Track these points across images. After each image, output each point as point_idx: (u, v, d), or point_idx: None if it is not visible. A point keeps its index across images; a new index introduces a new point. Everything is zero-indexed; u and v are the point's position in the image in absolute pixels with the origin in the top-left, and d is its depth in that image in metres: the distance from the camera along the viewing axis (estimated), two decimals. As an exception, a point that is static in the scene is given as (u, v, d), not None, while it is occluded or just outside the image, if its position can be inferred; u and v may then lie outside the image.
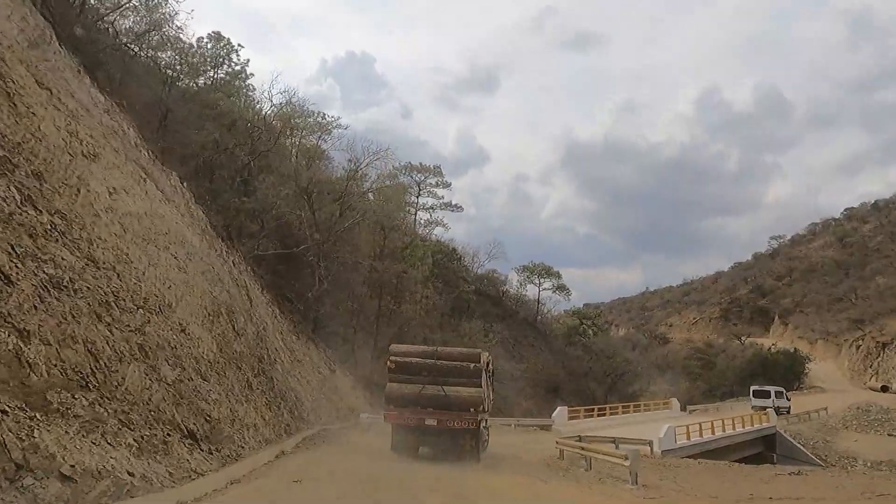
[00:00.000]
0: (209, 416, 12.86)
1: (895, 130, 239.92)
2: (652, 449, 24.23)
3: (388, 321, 34.81)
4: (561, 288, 74.00)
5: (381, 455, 16.77)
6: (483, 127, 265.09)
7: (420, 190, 67.40)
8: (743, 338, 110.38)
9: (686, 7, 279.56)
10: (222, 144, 27.93)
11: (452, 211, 71.27)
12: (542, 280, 74.01)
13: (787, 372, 69.08)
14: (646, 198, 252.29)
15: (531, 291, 74.23)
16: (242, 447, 13.98)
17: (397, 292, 35.17)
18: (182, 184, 21.44)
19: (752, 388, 48.39)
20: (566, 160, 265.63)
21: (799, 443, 34.47)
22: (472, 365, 17.77)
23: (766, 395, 45.40)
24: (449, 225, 65.42)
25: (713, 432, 28.96)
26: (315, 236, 29.49)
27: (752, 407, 42.39)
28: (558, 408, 32.45)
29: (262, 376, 18.53)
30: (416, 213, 66.84)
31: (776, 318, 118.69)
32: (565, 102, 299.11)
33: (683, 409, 45.84)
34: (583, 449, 18.62)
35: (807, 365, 72.39)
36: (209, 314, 16.20)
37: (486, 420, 19.55)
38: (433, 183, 68.50)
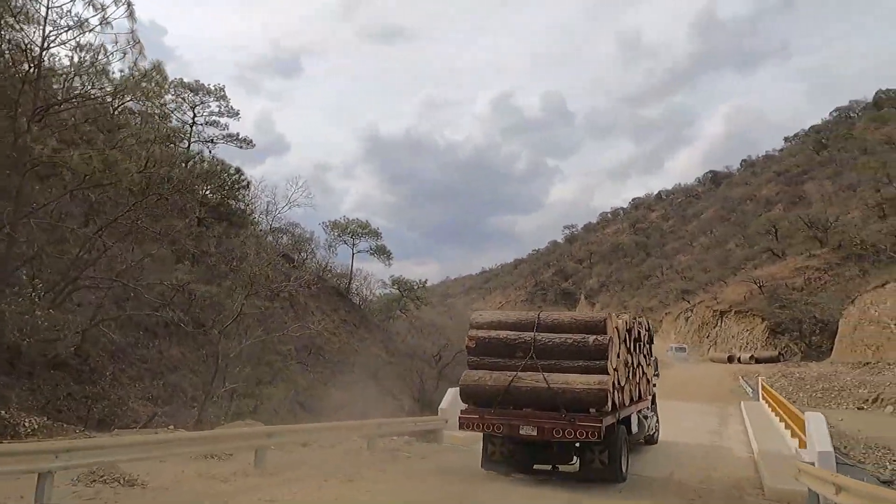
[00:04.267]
0: None
1: (657, 142, 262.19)
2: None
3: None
4: (381, 251, 56.52)
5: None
6: (285, 113, 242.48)
7: (195, 115, 46.36)
8: None
9: (490, 15, 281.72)
10: None
11: (241, 147, 51.15)
12: (356, 240, 55.85)
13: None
14: (445, 194, 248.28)
15: (343, 255, 55.93)
16: None
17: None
18: None
19: (672, 345, 57.30)
20: (370, 153, 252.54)
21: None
22: (591, 339, 10.52)
23: (683, 349, 54.52)
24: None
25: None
26: None
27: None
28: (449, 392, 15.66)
29: None
30: (188, 144, 45.46)
31: (582, 297, 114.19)
32: (371, 94, 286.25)
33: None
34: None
35: (647, 336, 63.50)
36: None
37: (649, 408, 13.85)
38: (215, 109, 47.85)
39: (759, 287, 57.83)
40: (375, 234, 55.95)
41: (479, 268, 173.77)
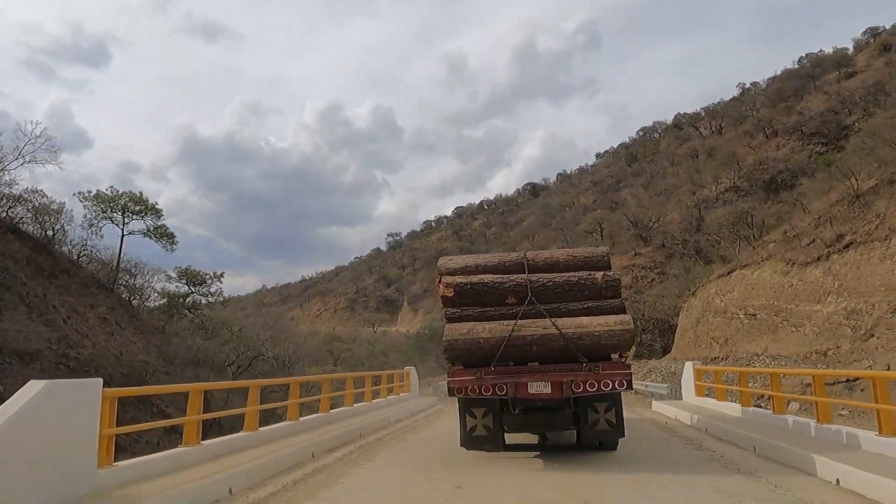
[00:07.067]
0: None
1: (478, 162, 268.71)
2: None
3: None
4: (161, 232, 44.40)
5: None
6: (87, 106, 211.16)
7: None
8: (375, 325, 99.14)
9: (320, 23, 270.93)
10: None
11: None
12: (128, 218, 43.29)
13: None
14: (268, 203, 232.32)
15: (110, 236, 43.04)
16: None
17: None
18: None
19: None
20: (186, 155, 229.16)
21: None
22: (600, 275, 9.48)
23: None
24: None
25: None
26: None
27: None
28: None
29: None
30: None
31: (405, 303, 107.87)
32: (190, 93, 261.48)
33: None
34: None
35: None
36: None
37: None
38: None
39: (589, 285, 54.39)
40: (155, 211, 43.73)
41: (299, 277, 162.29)
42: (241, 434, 9.22)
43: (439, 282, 9.71)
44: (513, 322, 8.95)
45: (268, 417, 13.83)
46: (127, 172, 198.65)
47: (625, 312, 9.29)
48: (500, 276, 9.56)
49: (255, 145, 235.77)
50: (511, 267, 9.75)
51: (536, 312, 9.07)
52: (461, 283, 9.46)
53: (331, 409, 12.66)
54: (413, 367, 22.64)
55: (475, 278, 9.55)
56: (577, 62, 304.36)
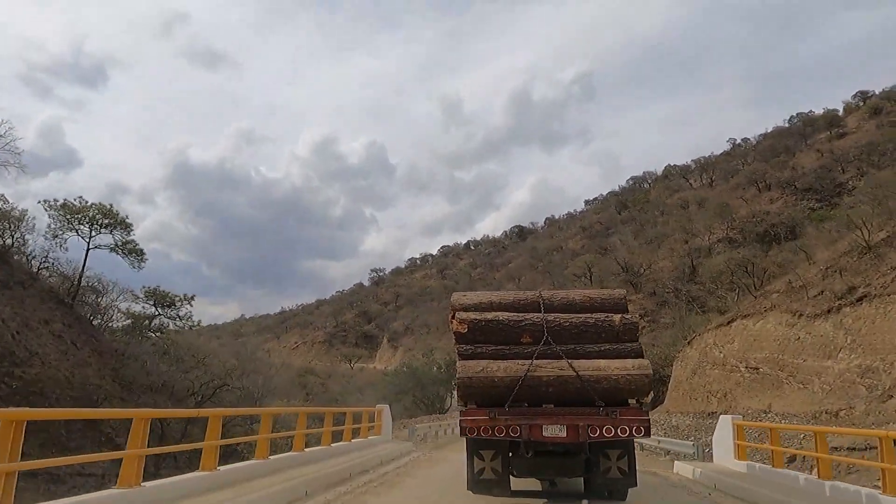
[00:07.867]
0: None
1: (468, 203, 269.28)
2: None
3: None
4: (129, 248, 41.69)
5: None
6: (81, 126, 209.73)
7: None
8: (353, 361, 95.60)
9: (317, 55, 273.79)
10: None
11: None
12: (95, 231, 40.73)
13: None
14: (255, 232, 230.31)
15: (75, 250, 40.53)
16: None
17: None
18: None
19: None
20: (175, 180, 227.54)
21: None
22: (618, 318, 9.31)
23: None
24: None
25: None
26: None
27: None
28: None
29: None
30: None
31: (385, 340, 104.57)
32: (185, 118, 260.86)
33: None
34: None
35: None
36: None
37: None
38: None
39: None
40: (125, 225, 41.09)
41: (279, 308, 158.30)
42: (108, 492, 5.87)
43: (452, 317, 9.44)
44: (528, 362, 8.69)
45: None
46: (115, 193, 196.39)
47: (643, 356, 9.07)
48: (515, 314, 9.39)
49: (246, 173, 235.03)
50: (527, 305, 9.64)
51: (552, 353, 8.82)
52: (475, 319, 9.28)
53: (272, 454, 9.72)
54: (387, 406, 19.88)
55: (490, 315, 9.40)
56: (572, 111, 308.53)
